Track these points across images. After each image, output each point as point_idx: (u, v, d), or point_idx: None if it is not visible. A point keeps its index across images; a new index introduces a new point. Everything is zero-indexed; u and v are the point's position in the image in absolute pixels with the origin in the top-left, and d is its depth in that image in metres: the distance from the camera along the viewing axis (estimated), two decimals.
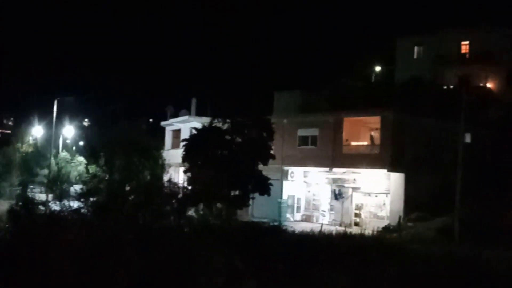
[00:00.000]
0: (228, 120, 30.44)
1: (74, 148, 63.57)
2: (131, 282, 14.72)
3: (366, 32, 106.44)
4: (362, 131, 38.45)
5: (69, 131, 59.35)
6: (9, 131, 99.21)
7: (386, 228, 31.77)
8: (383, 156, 34.24)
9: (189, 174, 29.65)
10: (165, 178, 33.29)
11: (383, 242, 24.23)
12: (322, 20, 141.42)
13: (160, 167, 36.21)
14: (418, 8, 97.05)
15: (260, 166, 30.20)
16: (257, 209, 36.97)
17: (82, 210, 24.01)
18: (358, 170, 35.82)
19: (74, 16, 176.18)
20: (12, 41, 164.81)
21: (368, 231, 28.95)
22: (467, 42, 49.00)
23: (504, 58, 46.10)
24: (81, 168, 49.31)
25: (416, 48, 49.56)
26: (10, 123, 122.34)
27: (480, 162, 33.98)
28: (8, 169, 47.20)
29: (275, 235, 23.50)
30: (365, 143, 37.38)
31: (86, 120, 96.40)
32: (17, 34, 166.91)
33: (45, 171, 47.32)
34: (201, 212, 27.07)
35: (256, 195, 30.23)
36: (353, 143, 37.29)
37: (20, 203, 25.57)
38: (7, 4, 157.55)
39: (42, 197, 39.60)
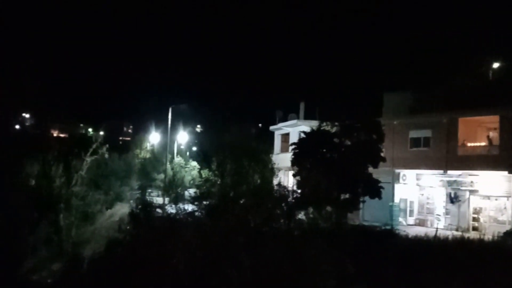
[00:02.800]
0: (336, 123, 30.20)
1: (187, 153, 65.95)
2: (243, 283, 15.01)
3: (482, 27, 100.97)
4: (479, 132, 36.57)
5: (183, 137, 61.66)
6: (128, 138, 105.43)
7: (508, 233, 29.88)
8: (503, 157, 32.33)
9: (298, 177, 29.72)
10: (275, 181, 33.67)
11: (503, 248, 22.90)
12: (435, 17, 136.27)
13: (269, 170, 36.68)
14: None
15: (370, 169, 29.65)
16: (368, 213, 36.32)
17: (196, 213, 24.88)
18: (475, 172, 34.11)
19: (188, 26, 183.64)
20: (130, 54, 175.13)
21: (487, 236, 27.48)
22: None
23: None
24: (195, 172, 51.05)
25: None
26: (129, 130, 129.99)
27: None
28: (128, 174, 49.79)
29: (387, 239, 22.99)
30: (483, 143, 35.47)
31: (198, 126, 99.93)
32: (134, 48, 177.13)
33: (162, 176, 49.42)
34: (311, 216, 27.04)
35: (367, 198, 29.71)
36: (469, 144, 35.55)
37: (140, 206, 27.02)
38: (122, 19, 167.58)
39: (159, 200, 41.57)
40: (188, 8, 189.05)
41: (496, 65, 52.36)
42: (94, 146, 35.21)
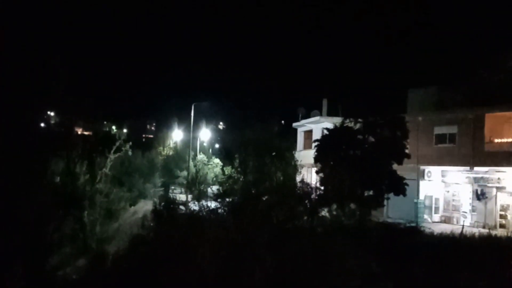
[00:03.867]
0: (360, 120, 29.88)
1: (210, 150, 66.08)
2: (266, 280, 14.91)
3: (509, 21, 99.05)
4: (506, 127, 35.87)
5: (205, 134, 61.77)
6: (152, 136, 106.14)
7: None
8: None
9: (321, 174, 29.49)
10: (298, 178, 33.52)
11: None
12: (460, 11, 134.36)
13: (292, 168, 36.53)
14: None
15: (395, 166, 29.31)
16: (392, 210, 35.95)
17: (219, 210, 24.87)
18: (502, 169, 33.51)
19: (211, 24, 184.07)
20: (154, 52, 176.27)
21: None
22: None
23: None
24: (217, 169, 51.15)
25: None
26: (153, 128, 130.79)
27: None
28: (152, 171, 50.14)
29: (412, 237, 22.68)
30: (510, 139, 34.81)
31: (221, 123, 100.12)
32: (158, 46, 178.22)
33: (184, 173, 49.62)
34: (334, 213, 26.84)
35: (391, 195, 29.39)
36: (496, 140, 34.93)
37: (163, 204, 27.14)
38: (148, 17, 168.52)
39: (182, 197, 41.73)
40: (210, 6, 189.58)
41: None
42: (117, 143, 35.48)
